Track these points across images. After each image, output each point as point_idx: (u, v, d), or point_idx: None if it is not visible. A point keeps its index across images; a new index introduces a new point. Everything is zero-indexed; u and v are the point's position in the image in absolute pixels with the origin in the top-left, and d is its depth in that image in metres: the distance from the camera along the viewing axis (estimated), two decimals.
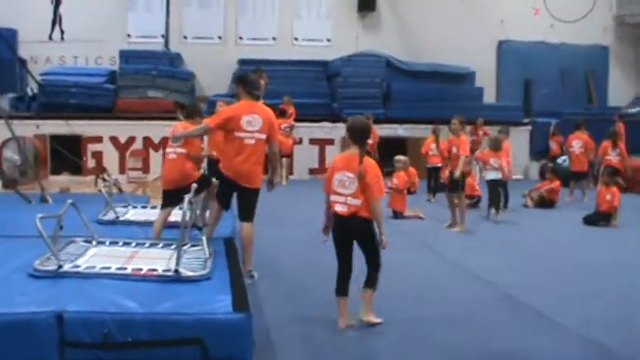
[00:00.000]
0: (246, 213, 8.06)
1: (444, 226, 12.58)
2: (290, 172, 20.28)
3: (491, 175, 13.87)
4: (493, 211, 13.65)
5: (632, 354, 6.09)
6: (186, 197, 6.50)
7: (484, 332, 6.57)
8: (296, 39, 23.83)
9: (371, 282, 6.59)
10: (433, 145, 16.63)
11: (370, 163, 6.54)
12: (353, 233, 6.52)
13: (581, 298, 7.85)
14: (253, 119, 7.96)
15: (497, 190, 13.77)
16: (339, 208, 6.47)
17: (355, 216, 6.42)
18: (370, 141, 7.68)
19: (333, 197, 6.53)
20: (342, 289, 6.61)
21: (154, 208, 10.05)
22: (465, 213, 12.64)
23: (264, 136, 8.01)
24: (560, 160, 18.60)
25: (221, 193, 8.27)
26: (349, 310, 6.58)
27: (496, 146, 13.98)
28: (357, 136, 6.57)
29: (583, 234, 12.63)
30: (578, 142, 16.90)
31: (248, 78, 8.36)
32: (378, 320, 6.63)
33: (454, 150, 12.51)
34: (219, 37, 23.32)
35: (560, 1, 24.65)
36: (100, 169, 17.75)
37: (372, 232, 6.49)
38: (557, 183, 15.92)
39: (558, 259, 10.06)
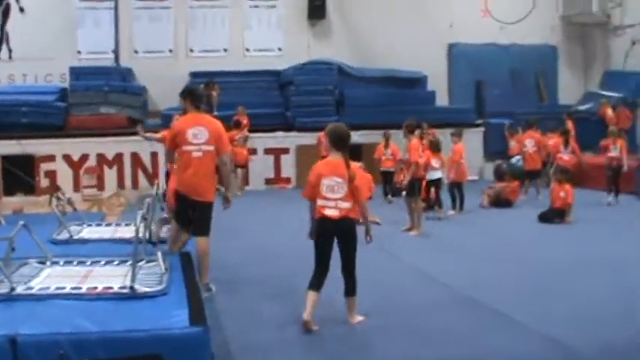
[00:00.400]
0: (201, 227, 8.06)
1: (402, 229, 12.66)
2: (246, 182, 20.24)
3: (435, 175, 14.11)
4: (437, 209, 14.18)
5: (590, 349, 6.17)
6: (139, 212, 6.47)
7: (441, 336, 6.62)
8: (247, 49, 23.83)
9: (351, 290, 6.95)
10: (385, 150, 16.85)
11: (355, 166, 7.12)
12: (341, 235, 6.85)
13: (539, 295, 7.96)
14: (199, 132, 8.00)
15: (438, 190, 14.29)
16: (329, 212, 6.79)
17: (346, 218, 6.77)
18: None
19: (321, 202, 6.84)
20: (317, 283, 6.88)
21: (108, 225, 9.99)
22: (422, 216, 12.76)
23: (211, 148, 8.02)
24: (514, 160, 18.81)
25: (178, 211, 8.25)
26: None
27: (436, 147, 14.17)
28: (339, 142, 6.94)
29: (538, 232, 12.81)
30: (530, 140, 17.12)
31: (193, 91, 8.40)
32: (363, 318, 7.01)
33: (405, 155, 12.66)
34: (170, 51, 23.23)
35: (508, 2, 24.98)
36: (53, 188, 17.48)
37: (355, 233, 6.84)
38: (515, 183, 16.13)
39: (515, 258, 10.19)
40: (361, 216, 7.02)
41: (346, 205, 6.77)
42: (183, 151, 8.02)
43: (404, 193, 13.04)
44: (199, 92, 8.46)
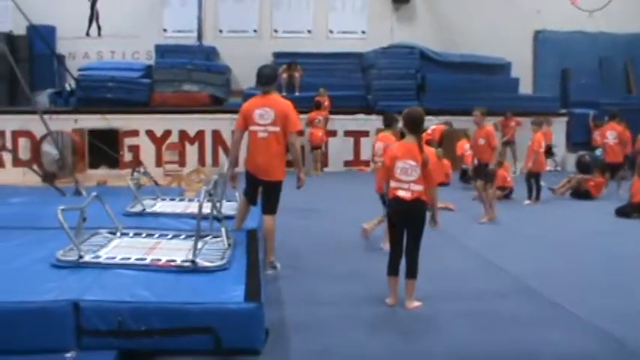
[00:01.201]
0: (268, 206, 8.19)
1: (481, 221, 12.44)
2: (325, 164, 20.35)
3: None
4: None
5: None
6: (203, 188, 6.61)
7: (499, 324, 6.60)
8: (331, 31, 23.91)
9: (412, 272, 7.01)
10: (467, 146, 16.55)
11: (430, 151, 7.14)
12: (412, 216, 6.96)
13: (604, 290, 7.82)
14: (265, 112, 8.09)
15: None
16: (401, 194, 6.93)
17: (418, 200, 6.89)
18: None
19: (394, 184, 7.00)
20: (394, 269, 7.10)
21: (182, 200, 10.20)
22: (494, 203, 12.62)
23: (277, 129, 8.09)
24: (597, 152, 18.38)
25: (247, 187, 8.39)
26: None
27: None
28: (413, 125, 7.07)
29: (614, 226, 12.50)
30: (612, 132, 16.65)
31: (259, 72, 8.46)
32: (419, 304, 7.03)
33: (481, 142, 12.50)
34: (255, 31, 23.49)
35: None
36: (136, 163, 17.98)
37: (425, 216, 6.99)
38: (600, 178, 15.81)
39: (586, 250, 10.02)
40: (430, 200, 7.05)
41: (418, 187, 6.88)
42: (251, 131, 8.16)
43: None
44: (260, 73, 8.48)
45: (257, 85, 8.37)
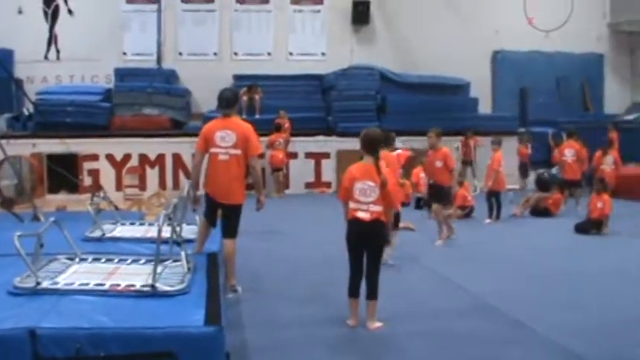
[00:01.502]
0: (227, 229, 8.18)
1: (437, 243, 12.39)
2: (285, 186, 20.35)
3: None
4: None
5: None
6: (162, 212, 6.58)
7: (460, 343, 6.62)
8: (291, 53, 24.01)
9: (373, 293, 7.02)
10: (422, 174, 16.39)
11: (388, 172, 7.25)
12: (371, 237, 6.98)
13: (564, 306, 7.89)
14: (227, 135, 8.10)
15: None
16: (361, 215, 6.94)
17: (377, 221, 6.91)
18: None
19: (353, 205, 7.00)
20: (355, 290, 7.10)
21: (142, 224, 10.10)
22: (450, 221, 12.64)
23: (239, 152, 8.09)
24: (554, 170, 18.59)
25: (206, 210, 8.36)
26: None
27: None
28: (370, 146, 7.09)
29: (573, 242, 12.68)
30: (570, 150, 16.88)
31: (220, 95, 8.47)
32: (381, 324, 7.03)
33: (438, 164, 12.46)
34: (215, 54, 23.52)
35: (553, 10, 24.74)
36: (96, 187, 17.82)
37: (384, 236, 7.07)
38: (558, 195, 15.99)
39: (546, 267, 10.14)
40: (387, 220, 7.09)
41: (377, 208, 6.91)
42: (211, 153, 8.15)
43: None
44: (222, 96, 8.49)
45: (218, 108, 8.39)
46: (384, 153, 10.42)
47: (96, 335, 4.91)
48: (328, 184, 20.89)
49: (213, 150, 8.11)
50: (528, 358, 6.22)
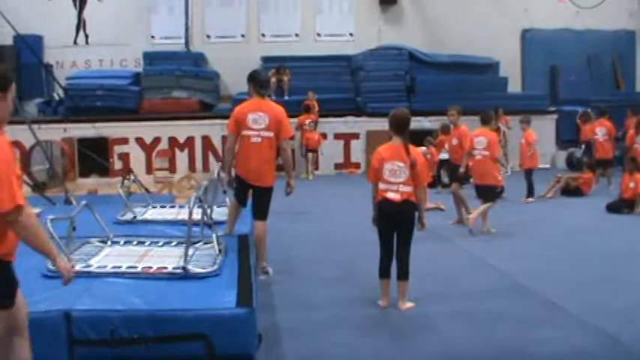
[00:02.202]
0: (259, 211, 8.18)
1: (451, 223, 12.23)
2: (316, 167, 20.34)
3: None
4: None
5: (638, 342, 6.06)
6: (193, 195, 6.61)
7: (491, 324, 6.61)
8: (319, 34, 23.91)
9: (404, 274, 7.00)
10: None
11: (417, 152, 7.16)
12: (402, 217, 6.96)
13: (595, 286, 7.85)
14: (259, 117, 8.06)
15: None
16: (391, 195, 6.93)
17: (407, 201, 6.90)
18: None
19: (383, 185, 6.98)
20: (386, 271, 7.12)
21: (172, 207, 10.17)
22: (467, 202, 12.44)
23: (271, 135, 8.06)
24: (579, 151, 18.38)
25: (237, 190, 8.37)
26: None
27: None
28: (398, 127, 7.07)
29: (605, 222, 12.56)
30: (601, 129, 16.69)
31: (256, 76, 8.40)
32: (412, 305, 7.04)
33: (454, 141, 12.47)
34: (242, 36, 23.47)
35: None
36: (126, 171, 17.94)
37: (414, 217, 7.00)
38: (589, 175, 15.81)
39: (576, 247, 10.05)
40: (418, 202, 7.04)
41: (407, 189, 6.89)
42: (243, 136, 8.11)
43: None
44: (261, 77, 8.46)
45: (257, 89, 8.28)
46: (482, 130, 11.26)
47: (129, 318, 4.99)
48: (357, 165, 20.84)
49: (245, 132, 8.08)
50: (560, 338, 6.17)
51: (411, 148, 7.00)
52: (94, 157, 18.73)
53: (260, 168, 8.10)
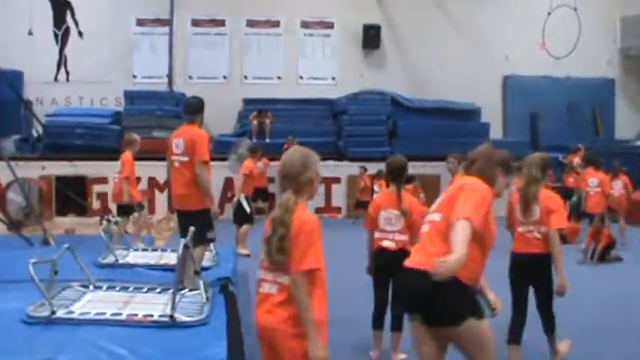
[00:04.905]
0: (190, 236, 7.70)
1: None
2: None
3: None
4: None
5: None
6: (182, 241, 6.41)
7: None
8: (301, 77, 23.92)
9: (399, 326, 6.77)
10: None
11: (413, 200, 7.00)
12: (397, 266, 6.54)
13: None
14: (178, 142, 8.01)
15: None
16: (386, 244, 6.81)
17: (402, 250, 6.57)
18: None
19: (379, 234, 6.88)
20: (379, 322, 6.97)
21: (154, 250, 9.97)
22: None
23: (186, 159, 7.90)
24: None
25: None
26: None
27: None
28: (393, 174, 6.95)
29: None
30: (593, 180, 16.44)
31: (185, 102, 8.51)
32: (405, 356, 6.83)
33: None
34: (224, 77, 23.43)
35: (564, 35, 24.59)
36: (104, 210, 17.69)
37: None
38: (575, 224, 15.73)
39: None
40: None
41: (403, 237, 6.75)
42: (170, 161, 8.18)
43: None
44: (188, 102, 8.54)
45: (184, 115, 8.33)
46: None
47: None
48: (338, 209, 20.70)
49: (171, 158, 8.12)
50: None
51: (405, 195, 6.87)
52: (73, 196, 18.44)
53: (180, 192, 8.03)
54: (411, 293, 4.62)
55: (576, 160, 19.60)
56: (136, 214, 13.41)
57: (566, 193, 16.94)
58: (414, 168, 19.09)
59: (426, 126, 21.56)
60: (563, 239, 14.95)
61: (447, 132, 21.27)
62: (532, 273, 6.42)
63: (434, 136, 20.96)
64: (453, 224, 4.29)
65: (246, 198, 13.81)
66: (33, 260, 5.97)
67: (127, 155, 12.71)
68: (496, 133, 23.68)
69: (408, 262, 4.69)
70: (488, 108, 23.36)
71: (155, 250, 10.07)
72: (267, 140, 20.68)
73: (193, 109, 8.27)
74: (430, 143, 20.58)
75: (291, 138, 20.29)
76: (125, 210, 12.95)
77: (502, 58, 24.19)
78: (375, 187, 17.13)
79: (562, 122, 24.25)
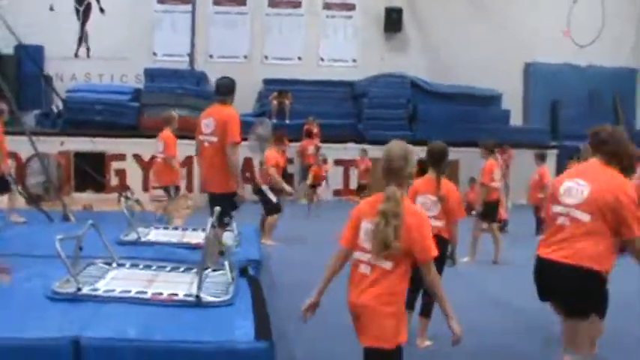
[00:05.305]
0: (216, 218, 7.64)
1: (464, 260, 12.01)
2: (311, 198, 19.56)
3: None
4: None
5: None
6: (209, 220, 6.35)
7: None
8: (322, 59, 23.82)
9: (428, 311, 6.81)
10: None
11: (450, 187, 6.90)
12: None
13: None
14: (209, 122, 7.95)
15: None
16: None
17: (437, 236, 6.30)
18: None
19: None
20: (410, 304, 6.63)
21: (176, 229, 9.93)
22: (499, 241, 12.23)
23: (215, 139, 7.84)
24: None
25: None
26: None
27: None
28: (434, 160, 6.85)
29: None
30: None
31: (217, 82, 8.34)
32: (430, 342, 6.85)
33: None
34: (245, 57, 23.36)
35: (588, 23, 24.38)
36: (122, 187, 17.68)
37: (445, 253, 6.73)
38: None
39: None
40: (450, 237, 6.84)
41: (439, 223, 6.67)
42: (198, 141, 8.09)
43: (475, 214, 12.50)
44: (220, 82, 8.27)
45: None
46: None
47: (143, 348, 4.68)
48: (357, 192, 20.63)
49: (199, 137, 8.06)
50: None
51: (444, 182, 6.79)
52: (91, 172, 18.45)
53: (209, 173, 8.04)
54: (559, 284, 4.90)
55: None
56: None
57: None
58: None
59: (447, 110, 21.47)
60: None
61: (467, 117, 21.16)
62: None
63: (454, 121, 20.85)
64: (631, 240, 4.77)
65: (271, 188, 13.04)
66: (59, 236, 5.92)
67: (168, 133, 12.36)
68: (516, 119, 23.55)
69: (552, 255, 4.95)
70: (509, 94, 23.26)
71: (176, 228, 10.00)
72: (287, 121, 20.61)
73: (225, 89, 8.16)
74: (450, 128, 20.42)
75: (312, 119, 20.24)
76: (165, 191, 12.61)
77: (525, 45, 23.97)
78: None
79: (583, 110, 24.03)
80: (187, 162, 19.90)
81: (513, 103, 23.51)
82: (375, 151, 20.03)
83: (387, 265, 4.40)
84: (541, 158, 15.23)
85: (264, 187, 13.00)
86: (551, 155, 21.76)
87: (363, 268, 4.46)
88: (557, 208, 5.09)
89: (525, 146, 18.93)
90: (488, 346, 6.87)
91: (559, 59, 24.22)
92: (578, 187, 5.01)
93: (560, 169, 21.60)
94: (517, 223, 14.78)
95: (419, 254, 4.38)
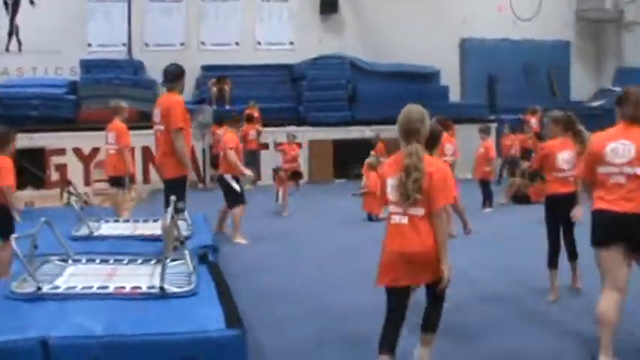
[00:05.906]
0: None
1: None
2: (258, 177, 19.58)
3: None
4: None
5: None
6: (169, 210, 6.29)
7: (476, 334, 6.55)
8: (259, 43, 23.66)
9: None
10: None
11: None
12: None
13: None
14: (157, 111, 8.26)
15: None
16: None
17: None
18: None
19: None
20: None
21: (126, 221, 9.81)
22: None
23: (162, 127, 8.13)
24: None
25: None
26: None
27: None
28: (428, 141, 6.33)
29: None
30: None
31: (163, 70, 8.52)
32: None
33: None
34: (182, 44, 23.01)
35: None
36: (64, 182, 17.39)
37: None
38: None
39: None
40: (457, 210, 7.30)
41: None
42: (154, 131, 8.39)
43: None
44: (166, 70, 8.47)
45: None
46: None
47: (114, 343, 4.63)
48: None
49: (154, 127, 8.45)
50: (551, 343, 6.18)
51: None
52: (30, 168, 18.08)
53: (160, 160, 8.36)
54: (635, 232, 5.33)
55: (533, 120, 19.88)
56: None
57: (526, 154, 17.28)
58: (373, 132, 19.18)
59: (386, 90, 21.48)
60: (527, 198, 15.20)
61: (406, 95, 20.89)
62: None
63: (394, 100, 20.68)
64: None
65: (234, 178, 11.70)
66: (15, 235, 5.82)
67: (119, 123, 12.10)
68: (454, 95, 23.81)
69: (624, 208, 5.35)
70: (446, 71, 23.50)
71: (127, 221, 9.87)
72: (227, 107, 20.47)
73: (171, 76, 8.24)
74: (390, 107, 20.21)
75: (253, 103, 20.16)
76: (119, 182, 12.21)
77: (460, 21, 24.22)
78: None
79: (519, 84, 24.49)
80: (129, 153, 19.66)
81: (451, 80, 23.74)
82: (317, 133, 20.15)
83: (419, 212, 5.00)
84: (486, 132, 15.48)
85: (227, 176, 11.65)
86: (491, 129, 22.07)
87: (398, 219, 5.06)
88: (607, 169, 5.47)
89: (464, 121, 19.10)
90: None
91: (495, 35, 24.52)
92: (623, 146, 5.40)
93: (499, 142, 21.96)
94: (463, 197, 14.87)
95: (432, 201, 4.96)
